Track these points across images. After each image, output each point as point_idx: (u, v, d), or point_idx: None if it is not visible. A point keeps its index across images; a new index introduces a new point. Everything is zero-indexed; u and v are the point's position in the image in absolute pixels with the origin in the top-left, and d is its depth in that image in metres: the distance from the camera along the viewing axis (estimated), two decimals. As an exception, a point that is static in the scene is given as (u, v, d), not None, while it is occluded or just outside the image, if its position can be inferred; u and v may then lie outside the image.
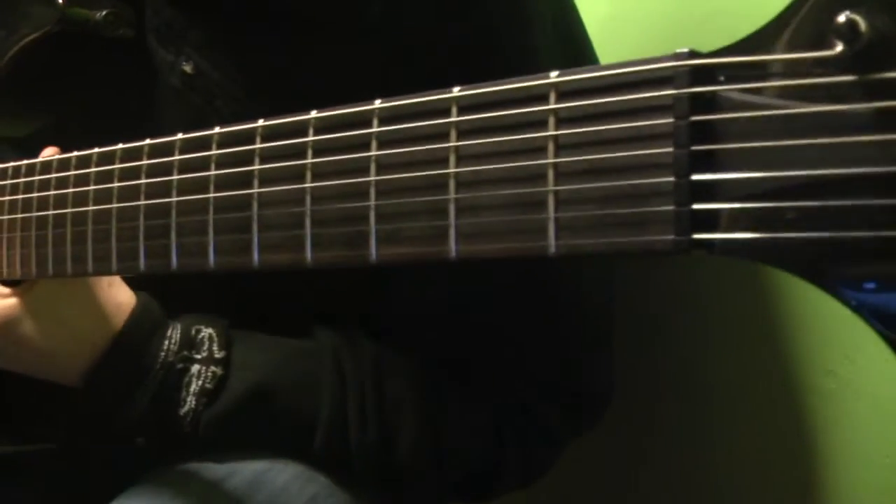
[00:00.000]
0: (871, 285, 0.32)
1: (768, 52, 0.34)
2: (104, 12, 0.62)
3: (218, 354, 0.67)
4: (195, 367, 0.66)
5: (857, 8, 0.32)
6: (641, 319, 0.89)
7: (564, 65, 0.69)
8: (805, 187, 0.33)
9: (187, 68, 0.69)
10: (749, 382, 0.82)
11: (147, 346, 0.66)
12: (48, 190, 0.59)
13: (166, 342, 0.67)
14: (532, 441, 0.74)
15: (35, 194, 0.60)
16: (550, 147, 0.37)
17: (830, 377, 0.76)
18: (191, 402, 0.66)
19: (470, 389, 0.72)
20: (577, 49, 0.72)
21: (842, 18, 0.31)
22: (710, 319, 0.85)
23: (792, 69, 0.33)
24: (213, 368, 0.66)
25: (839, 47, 0.31)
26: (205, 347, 0.67)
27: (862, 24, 0.31)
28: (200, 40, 0.69)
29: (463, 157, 0.39)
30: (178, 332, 0.67)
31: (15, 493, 0.83)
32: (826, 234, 0.32)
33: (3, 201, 0.63)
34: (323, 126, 0.45)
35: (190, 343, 0.67)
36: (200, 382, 0.66)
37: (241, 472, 0.69)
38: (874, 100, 0.31)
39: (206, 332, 0.68)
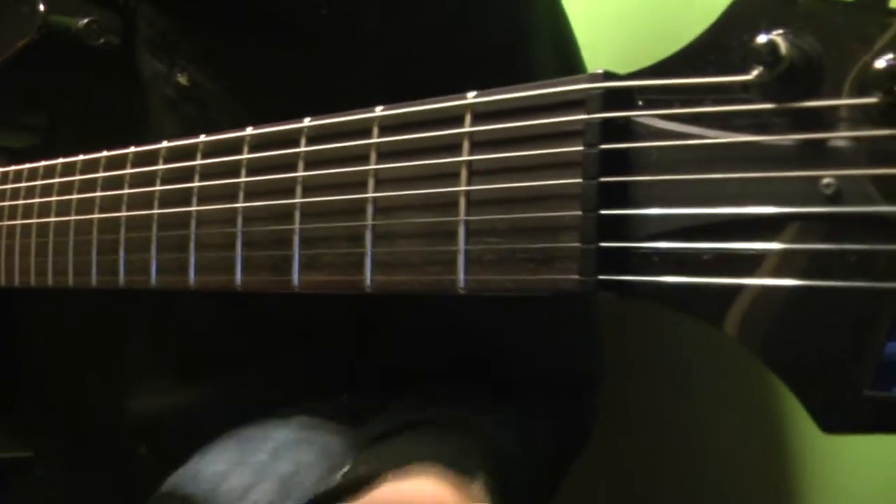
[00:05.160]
0: (785, 337, 0.28)
1: (691, 74, 0.30)
2: (86, 20, 0.61)
3: None
4: None
5: (784, 28, 0.28)
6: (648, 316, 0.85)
7: (559, 71, 0.67)
8: (723, 226, 0.29)
9: (182, 80, 0.68)
10: (749, 380, 0.78)
11: None
12: (18, 199, 0.58)
13: None
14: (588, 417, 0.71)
15: (6, 203, 0.60)
16: (463, 173, 0.34)
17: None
18: None
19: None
20: (569, 54, 0.69)
21: (762, 39, 0.28)
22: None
23: (715, 95, 0.30)
24: None
25: (756, 71, 0.28)
26: None
27: (782, 47, 0.27)
28: (196, 51, 0.68)
29: (381, 181, 0.37)
30: None
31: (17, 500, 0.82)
32: (743, 281, 0.29)
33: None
34: (256, 144, 0.43)
35: None
36: None
37: (269, 476, 0.67)
38: (798, 130, 0.28)
39: None
